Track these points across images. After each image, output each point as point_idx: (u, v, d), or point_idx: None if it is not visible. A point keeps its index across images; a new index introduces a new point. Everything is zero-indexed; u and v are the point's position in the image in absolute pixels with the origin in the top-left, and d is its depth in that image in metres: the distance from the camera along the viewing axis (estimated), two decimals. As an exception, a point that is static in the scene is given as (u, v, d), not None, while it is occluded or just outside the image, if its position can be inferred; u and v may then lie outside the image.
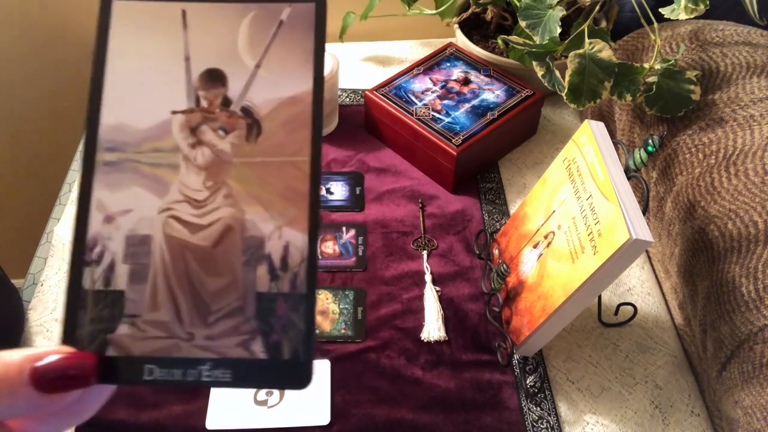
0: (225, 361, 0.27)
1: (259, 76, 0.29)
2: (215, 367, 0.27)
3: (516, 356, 0.64)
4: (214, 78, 0.30)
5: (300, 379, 0.27)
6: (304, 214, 0.28)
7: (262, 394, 0.61)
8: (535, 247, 0.63)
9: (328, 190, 0.79)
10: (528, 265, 0.63)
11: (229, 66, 0.29)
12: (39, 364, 0.24)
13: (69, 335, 0.27)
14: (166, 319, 0.28)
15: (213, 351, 0.27)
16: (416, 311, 0.67)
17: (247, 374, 0.27)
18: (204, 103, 0.29)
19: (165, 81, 0.29)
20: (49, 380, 0.24)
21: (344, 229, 0.75)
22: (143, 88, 0.29)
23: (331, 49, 1.00)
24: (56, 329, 0.67)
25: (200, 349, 0.27)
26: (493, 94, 0.81)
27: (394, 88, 0.82)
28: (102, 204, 0.28)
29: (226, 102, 0.29)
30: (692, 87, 0.65)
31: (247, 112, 0.29)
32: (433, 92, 0.82)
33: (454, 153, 0.74)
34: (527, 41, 0.72)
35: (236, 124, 0.29)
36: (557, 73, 0.71)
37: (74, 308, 0.28)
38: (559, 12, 0.69)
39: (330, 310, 0.67)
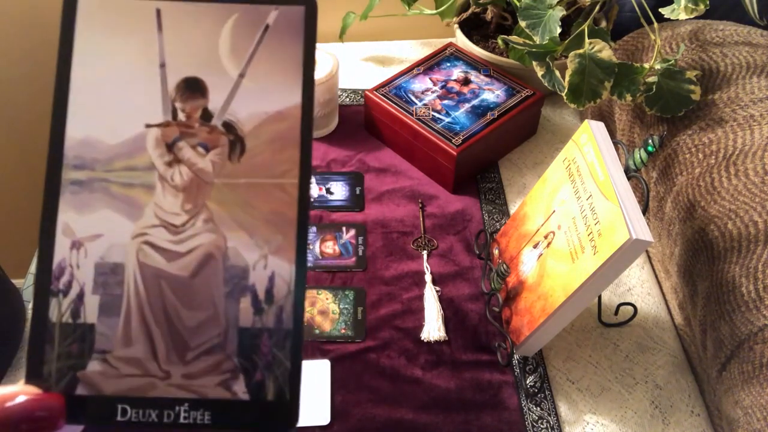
0: (204, 402, 0.25)
1: (243, 86, 0.27)
2: (193, 408, 0.25)
3: (516, 356, 0.64)
4: (193, 88, 0.27)
5: (285, 420, 0.25)
6: (292, 242, 0.26)
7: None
8: (535, 247, 0.63)
9: (328, 190, 0.79)
10: (528, 265, 0.63)
11: (210, 75, 0.27)
12: (7, 405, 0.23)
13: (35, 372, 0.25)
14: (141, 356, 0.25)
15: (191, 391, 0.25)
16: (416, 311, 0.67)
17: (228, 416, 0.25)
18: (182, 116, 0.27)
19: (138, 90, 0.26)
20: (15, 423, 0.23)
21: (344, 229, 0.75)
22: (114, 97, 0.26)
23: (331, 49, 1.00)
24: (56, 329, 0.66)
25: (177, 388, 0.25)
26: (493, 94, 0.81)
27: (394, 88, 0.82)
28: (69, 228, 0.26)
29: (207, 115, 0.27)
30: (692, 87, 0.65)
31: (229, 127, 0.27)
32: (433, 92, 0.82)
33: (454, 153, 0.74)
34: (527, 41, 0.72)
35: (218, 141, 0.27)
36: (557, 73, 0.71)
37: (40, 342, 0.25)
38: (559, 12, 0.69)
39: (330, 310, 0.67)
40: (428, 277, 0.70)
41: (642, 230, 0.50)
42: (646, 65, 0.67)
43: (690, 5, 0.63)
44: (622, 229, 0.50)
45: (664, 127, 0.68)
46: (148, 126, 0.26)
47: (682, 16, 0.63)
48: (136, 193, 0.26)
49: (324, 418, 0.59)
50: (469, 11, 0.91)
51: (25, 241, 1.12)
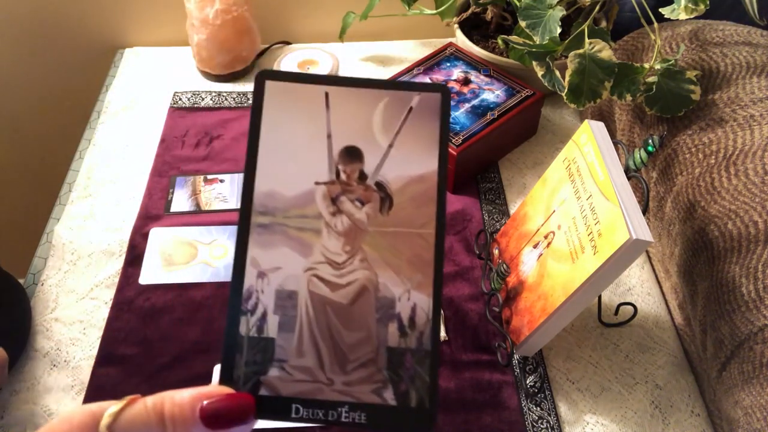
0: (360, 405, 0.30)
1: (392, 155, 0.33)
2: (352, 409, 0.30)
3: (516, 356, 0.64)
4: (353, 154, 0.33)
5: (425, 425, 0.30)
6: (429, 279, 0.31)
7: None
8: (535, 247, 0.63)
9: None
10: (528, 265, 0.63)
11: (366, 144, 0.33)
12: (207, 403, 0.28)
13: (227, 376, 0.30)
14: (310, 365, 0.31)
15: (350, 396, 0.30)
16: (416, 311, 0.67)
17: (380, 418, 0.30)
18: (343, 176, 0.33)
19: (310, 155, 0.33)
20: (216, 417, 0.27)
21: (344, 229, 0.75)
22: (291, 160, 0.33)
23: (331, 49, 1.00)
24: (56, 329, 0.67)
25: (339, 393, 0.30)
26: (493, 94, 0.81)
27: (394, 88, 0.82)
28: (256, 261, 0.32)
29: (363, 176, 0.33)
30: (692, 87, 0.65)
31: (380, 186, 0.33)
32: (433, 92, 0.81)
33: (454, 153, 0.74)
34: (527, 41, 0.72)
35: (371, 197, 0.33)
36: (557, 73, 0.71)
37: (232, 352, 0.31)
38: (559, 12, 0.69)
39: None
40: (428, 277, 0.70)
41: (642, 230, 0.50)
42: (646, 65, 0.67)
43: (690, 5, 0.63)
44: (622, 229, 0.50)
45: (664, 127, 0.68)
46: (317, 183, 0.33)
47: (682, 16, 0.63)
48: (307, 236, 0.32)
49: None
50: (469, 11, 0.91)
51: (25, 241, 1.12)
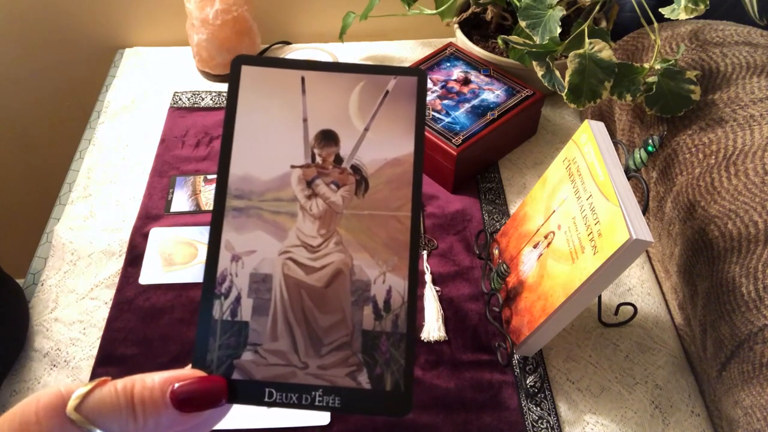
0: (335, 389, 0.30)
1: (368, 138, 0.33)
2: (326, 393, 0.30)
3: (516, 356, 0.64)
4: (329, 138, 0.33)
5: (401, 408, 0.30)
6: (405, 262, 0.31)
7: (262, 394, 0.61)
8: (535, 247, 0.63)
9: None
10: (528, 265, 0.63)
11: (342, 128, 0.33)
12: (178, 386, 0.27)
13: (200, 360, 0.30)
14: (284, 349, 0.31)
15: (324, 379, 0.30)
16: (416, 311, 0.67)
17: (354, 401, 0.30)
18: (319, 160, 0.33)
19: (286, 138, 0.33)
20: (187, 400, 0.27)
21: (344, 229, 0.75)
22: (267, 144, 0.33)
23: (331, 49, 1.00)
24: (56, 329, 0.67)
25: (313, 377, 0.30)
26: (493, 94, 0.81)
27: (394, 88, 0.82)
28: (230, 244, 0.32)
29: (338, 160, 0.33)
30: (692, 87, 0.65)
31: (356, 169, 0.33)
32: (433, 92, 0.82)
33: (454, 153, 0.74)
34: (527, 41, 0.72)
35: (347, 180, 0.33)
36: (557, 73, 0.71)
37: (205, 335, 0.31)
38: (559, 12, 0.69)
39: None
40: (428, 277, 0.70)
41: (642, 230, 0.50)
42: (646, 65, 0.67)
43: (690, 5, 0.63)
44: (622, 229, 0.50)
45: (664, 127, 0.68)
46: (293, 167, 0.33)
47: (682, 16, 0.63)
48: (282, 219, 0.32)
49: (324, 418, 0.59)
50: (469, 11, 0.91)
51: (25, 241, 1.12)
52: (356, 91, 0.33)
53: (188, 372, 0.29)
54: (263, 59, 0.34)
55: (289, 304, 0.31)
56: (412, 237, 0.32)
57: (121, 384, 0.27)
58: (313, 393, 0.30)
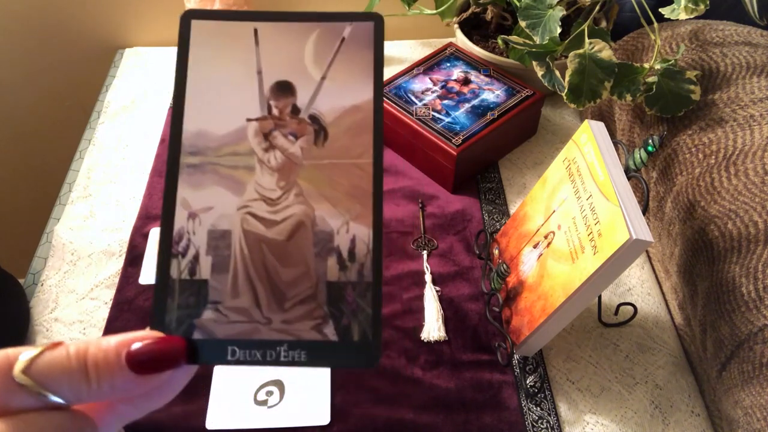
0: (300, 343, 0.29)
1: (325, 86, 0.32)
2: (291, 348, 0.29)
3: (516, 356, 0.64)
4: (284, 89, 0.32)
5: (369, 358, 0.29)
6: (369, 210, 0.31)
7: (263, 394, 0.61)
8: (535, 247, 0.63)
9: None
10: (528, 265, 0.63)
11: (297, 78, 0.32)
12: (134, 347, 0.26)
13: (158, 320, 0.30)
14: (246, 306, 0.30)
15: (289, 334, 0.30)
16: (416, 311, 0.67)
17: (321, 355, 0.29)
18: (275, 112, 0.32)
19: (240, 92, 0.32)
20: (143, 362, 0.26)
21: (344, 229, 0.75)
22: (220, 98, 0.32)
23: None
24: (56, 329, 0.67)
25: (278, 332, 0.30)
26: (493, 94, 0.81)
27: (394, 88, 0.82)
28: (186, 202, 0.31)
29: (295, 110, 0.32)
30: (692, 87, 0.65)
31: (314, 119, 0.32)
32: (433, 92, 0.82)
33: (454, 153, 0.74)
34: (527, 41, 0.72)
35: (305, 130, 0.32)
36: (557, 73, 0.71)
37: (163, 296, 0.30)
38: (559, 12, 0.69)
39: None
40: (428, 277, 0.70)
41: (642, 230, 0.50)
42: (646, 65, 0.67)
43: (690, 5, 0.63)
44: (622, 229, 0.50)
45: (664, 127, 0.68)
46: (249, 120, 0.32)
47: (682, 16, 0.63)
48: (239, 174, 0.32)
49: (324, 418, 0.59)
50: (469, 11, 0.91)
51: (25, 241, 1.12)
52: (311, 40, 0.33)
53: (145, 333, 0.28)
54: (214, 12, 0.33)
55: (249, 259, 0.31)
56: (375, 184, 0.31)
57: (74, 347, 0.26)
58: (278, 348, 0.29)
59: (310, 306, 0.30)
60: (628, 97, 0.68)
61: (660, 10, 0.66)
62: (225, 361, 0.29)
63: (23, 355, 0.25)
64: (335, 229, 0.31)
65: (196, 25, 0.33)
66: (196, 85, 0.32)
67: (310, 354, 0.29)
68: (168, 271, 0.30)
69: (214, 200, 0.31)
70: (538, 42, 0.70)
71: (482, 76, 0.84)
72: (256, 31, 0.33)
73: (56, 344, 0.26)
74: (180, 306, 0.30)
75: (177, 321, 0.30)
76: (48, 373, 0.25)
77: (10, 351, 0.25)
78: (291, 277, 0.30)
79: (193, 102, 0.32)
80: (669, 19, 0.66)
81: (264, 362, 0.29)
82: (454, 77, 0.84)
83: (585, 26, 0.68)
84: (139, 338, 0.27)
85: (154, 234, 0.74)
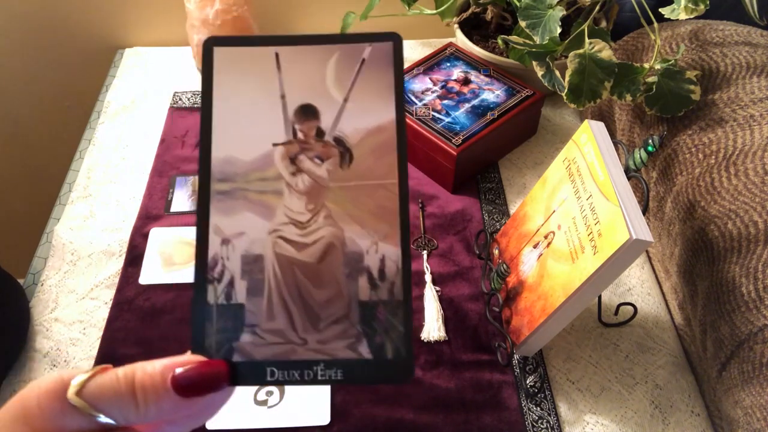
0: (336, 362, 0.30)
1: (348, 108, 0.33)
2: (328, 367, 0.30)
3: (516, 356, 0.64)
4: (308, 112, 0.33)
5: (403, 374, 0.30)
6: (396, 229, 0.31)
7: (262, 393, 0.61)
8: (535, 247, 0.63)
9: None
10: (528, 265, 0.63)
11: (320, 101, 0.33)
12: (178, 371, 0.27)
13: (199, 345, 0.30)
14: (282, 327, 0.31)
15: (325, 353, 0.30)
16: (416, 311, 0.67)
17: (356, 373, 0.30)
18: (300, 135, 0.32)
19: (265, 117, 0.33)
20: (187, 386, 0.27)
21: (344, 229, 0.75)
22: (246, 124, 0.33)
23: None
24: (56, 329, 0.67)
25: (314, 352, 0.30)
26: (493, 94, 0.81)
27: (394, 88, 0.82)
28: (218, 228, 0.32)
29: (320, 133, 0.32)
30: (692, 87, 0.65)
31: (339, 141, 0.32)
32: (433, 92, 0.82)
33: (454, 153, 0.74)
34: (527, 41, 0.72)
35: (330, 153, 0.32)
36: (557, 73, 0.71)
37: (202, 321, 0.31)
38: (559, 12, 0.69)
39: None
40: (428, 277, 0.70)
41: (642, 230, 0.50)
42: (646, 65, 0.67)
43: (690, 5, 0.63)
44: (622, 229, 0.50)
45: (664, 127, 0.68)
46: (275, 145, 0.32)
47: (682, 16, 0.63)
48: (268, 198, 0.32)
49: (324, 418, 0.59)
50: (469, 11, 0.91)
51: (25, 241, 1.12)
52: (332, 62, 0.33)
53: (189, 357, 0.29)
54: (235, 39, 0.33)
55: (283, 282, 0.31)
56: (401, 204, 0.31)
57: (122, 371, 0.27)
58: (315, 368, 0.30)
59: (343, 325, 0.31)
60: (628, 97, 0.68)
61: (660, 10, 0.66)
62: (265, 382, 0.30)
63: (76, 378, 0.26)
64: (365, 250, 0.31)
65: (218, 52, 0.33)
66: (221, 113, 0.33)
67: (346, 372, 0.30)
68: (205, 297, 0.31)
69: (246, 225, 0.32)
70: (538, 42, 0.70)
71: (482, 76, 0.84)
72: (277, 55, 0.33)
73: (105, 368, 0.27)
74: (219, 330, 0.30)
75: (217, 345, 0.30)
76: (99, 395, 0.26)
77: (64, 374, 0.26)
78: (324, 298, 0.31)
79: (220, 129, 0.33)
80: (669, 19, 0.66)
81: (302, 382, 0.30)
82: (454, 77, 0.84)
83: (585, 26, 0.68)
84: (183, 363, 0.28)
85: (154, 234, 0.74)
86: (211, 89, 0.33)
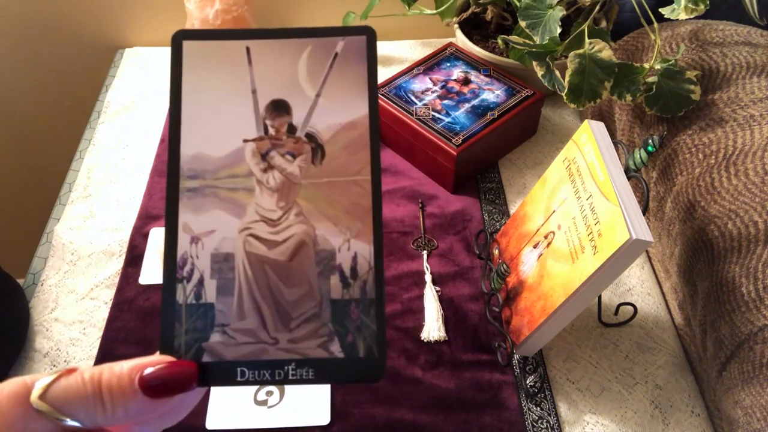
0: (308, 361, 0.30)
1: (320, 104, 0.32)
2: (299, 366, 0.30)
3: (516, 356, 0.64)
4: (280, 108, 0.32)
5: (375, 373, 0.30)
6: (369, 227, 0.31)
7: (263, 393, 0.61)
8: (535, 247, 0.63)
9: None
10: (528, 265, 0.63)
11: (292, 96, 0.32)
12: (146, 372, 0.27)
13: (167, 345, 0.30)
14: (253, 327, 0.30)
15: (296, 353, 0.30)
16: (416, 311, 0.67)
17: (328, 372, 0.30)
18: (272, 131, 0.32)
19: (236, 112, 0.32)
20: (156, 386, 0.27)
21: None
22: (216, 120, 0.32)
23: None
24: (56, 329, 0.67)
25: (285, 351, 0.30)
26: (493, 94, 0.81)
27: (394, 88, 0.82)
28: (188, 226, 0.31)
29: (292, 129, 0.32)
30: (692, 87, 0.65)
31: (311, 137, 0.32)
32: (433, 92, 0.82)
33: (454, 153, 0.74)
34: (527, 41, 0.72)
35: (302, 149, 0.32)
36: (557, 73, 0.71)
37: (171, 321, 0.30)
38: (559, 12, 0.69)
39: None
40: (428, 277, 0.70)
41: (642, 230, 0.50)
42: (646, 65, 0.67)
43: (690, 5, 0.63)
44: (622, 229, 0.50)
45: (664, 127, 0.68)
46: (246, 141, 0.32)
47: (682, 16, 0.63)
48: (239, 196, 0.31)
49: (324, 418, 0.59)
50: (469, 11, 0.91)
51: (25, 241, 1.12)
52: (304, 57, 0.32)
53: (157, 358, 0.28)
54: (205, 32, 0.33)
55: (253, 281, 0.31)
56: (374, 201, 0.31)
57: (88, 373, 0.26)
58: (286, 367, 0.30)
59: (315, 324, 0.30)
60: (628, 97, 0.68)
61: (660, 10, 0.66)
62: (235, 382, 0.29)
63: (39, 381, 0.26)
64: (337, 248, 0.31)
65: (187, 46, 0.32)
66: (191, 108, 0.32)
67: (318, 371, 0.30)
68: (174, 296, 0.30)
69: (216, 223, 0.31)
70: (538, 42, 0.70)
71: (482, 76, 0.84)
72: (248, 49, 0.32)
73: (71, 370, 0.26)
74: (188, 330, 0.30)
75: (186, 345, 0.30)
76: (64, 398, 0.25)
77: (27, 378, 0.26)
78: (295, 297, 0.31)
79: (189, 125, 0.32)
80: (669, 19, 0.66)
81: (273, 382, 0.29)
82: (454, 77, 0.84)
83: (585, 26, 0.68)
84: (151, 363, 0.27)
85: (154, 234, 0.74)
86: (180, 84, 0.32)
